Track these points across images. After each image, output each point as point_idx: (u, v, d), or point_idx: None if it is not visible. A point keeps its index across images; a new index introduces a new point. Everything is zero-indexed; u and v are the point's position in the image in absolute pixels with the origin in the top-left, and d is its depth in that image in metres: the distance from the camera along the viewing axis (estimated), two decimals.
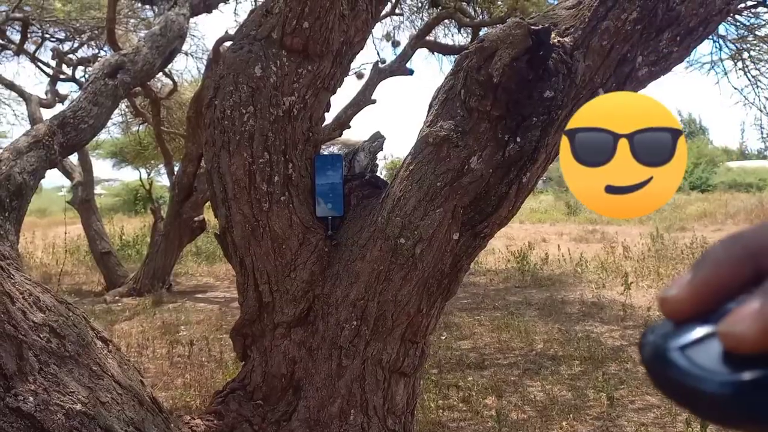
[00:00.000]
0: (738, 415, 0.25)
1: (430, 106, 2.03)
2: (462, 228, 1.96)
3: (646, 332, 0.28)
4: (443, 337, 6.20)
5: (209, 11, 6.79)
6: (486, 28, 7.81)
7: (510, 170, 1.90)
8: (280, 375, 2.14)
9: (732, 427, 0.26)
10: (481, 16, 8.66)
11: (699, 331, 0.26)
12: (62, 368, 1.54)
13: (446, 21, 8.93)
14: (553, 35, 1.84)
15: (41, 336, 1.51)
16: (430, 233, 1.94)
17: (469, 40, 8.56)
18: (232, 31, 7.61)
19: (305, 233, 2.11)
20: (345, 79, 2.41)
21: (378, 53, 13.53)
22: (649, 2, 1.87)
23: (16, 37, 8.80)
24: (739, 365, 0.24)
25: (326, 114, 2.37)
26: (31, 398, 1.42)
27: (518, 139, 1.85)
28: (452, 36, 9.56)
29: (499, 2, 8.23)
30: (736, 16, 6.52)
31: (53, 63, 9.85)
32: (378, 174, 2.41)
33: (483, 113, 1.86)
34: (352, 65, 2.61)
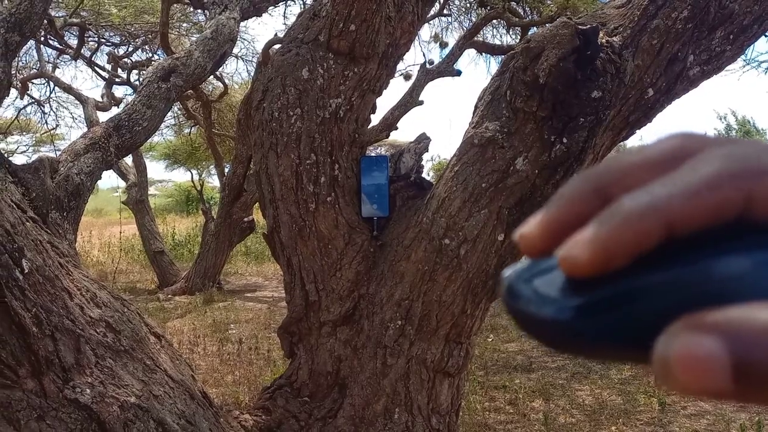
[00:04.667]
0: (572, 339, 0.25)
1: (476, 107, 2.03)
2: (507, 229, 1.95)
3: (506, 270, 0.28)
4: (490, 339, 6.17)
5: (259, 15, 6.88)
6: (535, 28, 7.73)
7: (556, 171, 1.89)
8: (326, 373, 2.17)
9: (571, 352, 0.26)
10: (530, 16, 8.58)
11: (547, 264, 0.27)
12: (117, 362, 1.59)
13: (495, 21, 8.87)
14: (601, 35, 1.82)
15: (98, 330, 1.57)
16: (475, 234, 1.94)
17: (518, 40, 8.48)
18: (281, 34, 7.71)
19: (351, 233, 2.14)
20: (391, 80, 2.43)
21: (424, 55, 13.46)
22: (701, 0, 1.84)
23: (74, 42, 9.07)
24: (577, 291, 0.25)
25: (372, 115, 2.39)
26: (88, 390, 1.48)
27: (565, 140, 1.85)
28: (500, 36, 9.49)
29: (549, 1, 8.15)
30: None
31: (109, 67, 10.11)
32: (425, 174, 2.43)
33: (529, 114, 1.85)
34: (399, 67, 2.63)
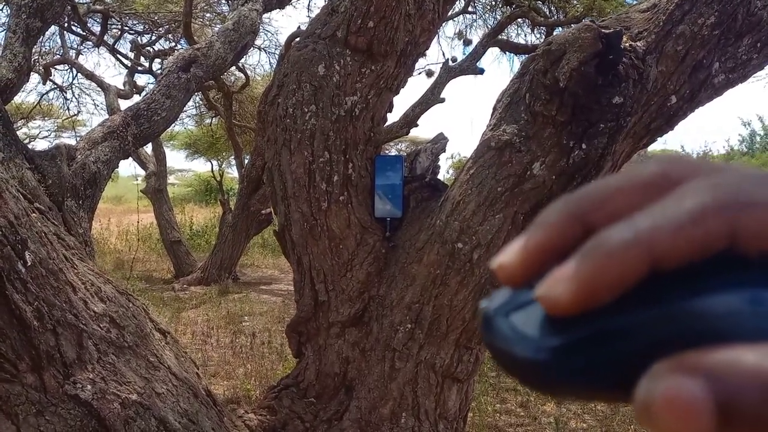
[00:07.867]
0: (551, 381, 0.24)
1: (494, 109, 1.99)
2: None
3: (484, 299, 0.27)
4: None
5: (282, 7, 6.87)
6: (561, 28, 7.65)
7: (574, 177, 1.85)
8: (333, 374, 2.14)
9: (549, 393, 0.25)
10: (555, 16, 8.49)
11: (526, 296, 0.25)
12: (120, 358, 1.57)
13: (519, 20, 8.78)
14: (624, 39, 1.77)
15: (101, 326, 1.55)
16: (489, 239, 1.90)
17: (543, 39, 8.39)
18: (305, 27, 7.68)
19: (363, 233, 2.11)
20: (411, 78, 2.39)
21: (443, 53, 13.36)
22: (729, 7, 1.78)
23: (97, 29, 9.11)
24: (557, 329, 0.24)
25: (390, 113, 2.35)
26: (89, 386, 1.46)
27: (584, 146, 1.80)
28: (525, 35, 9.40)
29: (575, 1, 8.05)
30: None
31: (131, 55, 10.16)
32: (444, 172, 2.39)
33: (548, 118, 1.81)
34: (421, 63, 2.59)
